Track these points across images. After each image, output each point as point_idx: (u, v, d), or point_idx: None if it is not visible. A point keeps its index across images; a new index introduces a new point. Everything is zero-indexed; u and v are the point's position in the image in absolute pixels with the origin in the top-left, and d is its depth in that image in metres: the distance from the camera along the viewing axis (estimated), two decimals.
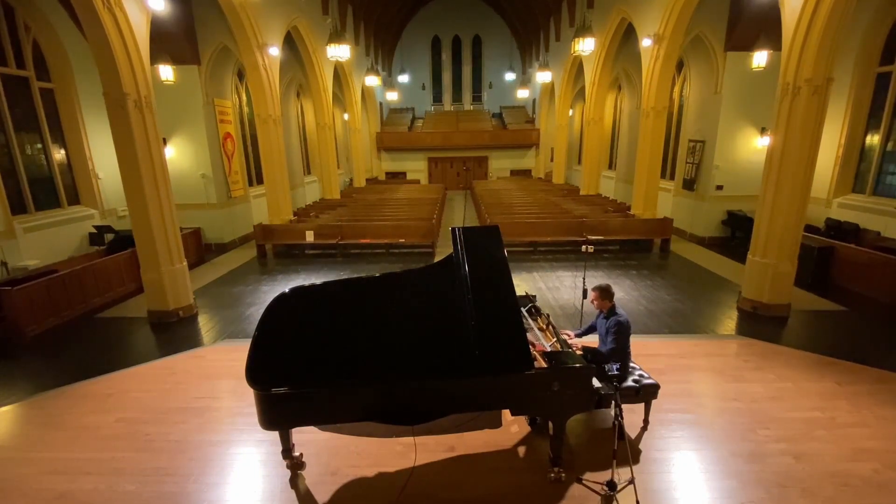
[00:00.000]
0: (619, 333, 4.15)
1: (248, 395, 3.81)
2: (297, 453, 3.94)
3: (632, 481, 3.41)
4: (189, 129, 11.71)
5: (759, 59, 10.66)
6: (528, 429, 4.43)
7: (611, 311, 4.30)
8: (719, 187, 11.87)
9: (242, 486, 3.82)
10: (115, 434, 4.56)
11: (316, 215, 13.90)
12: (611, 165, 19.49)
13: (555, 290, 8.69)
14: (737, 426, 4.44)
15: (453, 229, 3.90)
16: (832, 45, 6.22)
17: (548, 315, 4.60)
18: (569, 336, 4.58)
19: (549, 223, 11.93)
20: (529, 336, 3.87)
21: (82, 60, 10.04)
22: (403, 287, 3.77)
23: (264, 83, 11.38)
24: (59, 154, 10.19)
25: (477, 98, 31.77)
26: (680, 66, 13.05)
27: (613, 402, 3.40)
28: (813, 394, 4.99)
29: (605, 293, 4.35)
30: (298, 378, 3.40)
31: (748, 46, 10.71)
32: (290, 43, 14.08)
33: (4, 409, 5.10)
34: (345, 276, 4.22)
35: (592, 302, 4.47)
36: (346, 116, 21.78)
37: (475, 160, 26.86)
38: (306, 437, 4.18)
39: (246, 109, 14.45)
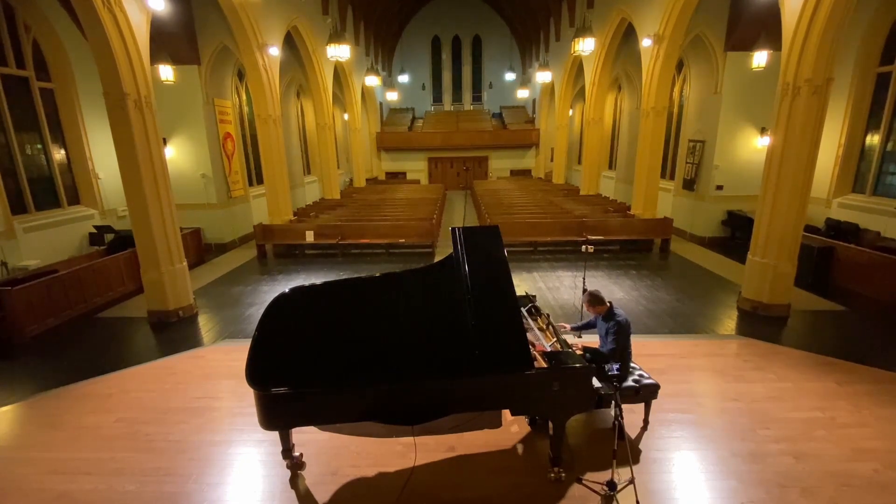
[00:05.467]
0: (619, 334, 4.15)
1: (248, 395, 3.81)
2: (297, 453, 3.94)
3: (632, 481, 3.41)
4: (189, 129, 11.71)
5: (759, 59, 10.66)
6: (528, 429, 4.43)
7: (609, 313, 4.29)
8: (719, 187, 11.87)
9: (242, 486, 3.82)
10: (115, 434, 4.56)
11: (316, 215, 13.90)
12: (611, 165, 19.49)
13: (555, 290, 8.69)
14: (737, 426, 4.44)
15: (453, 229, 3.90)
16: (832, 45, 6.22)
17: (548, 315, 4.60)
18: (564, 328, 4.57)
19: (549, 223, 11.93)
20: (529, 336, 3.87)
21: (82, 60, 10.04)
22: (403, 287, 3.77)
23: (264, 83, 11.38)
24: (59, 154, 10.19)
25: (477, 98, 31.77)
26: (680, 66, 13.05)
27: (613, 402, 3.40)
28: (813, 394, 4.99)
29: (593, 299, 4.34)
30: (298, 378, 3.39)
31: (748, 46, 10.71)
32: (290, 43, 14.08)
33: (4, 409, 5.10)
34: (345, 276, 4.21)
35: (588, 311, 4.46)
36: (346, 116, 21.78)
37: (475, 160, 26.85)
38: (306, 437, 4.18)
39: (246, 109, 14.45)
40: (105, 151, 10.46)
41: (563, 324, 4.65)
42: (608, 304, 4.34)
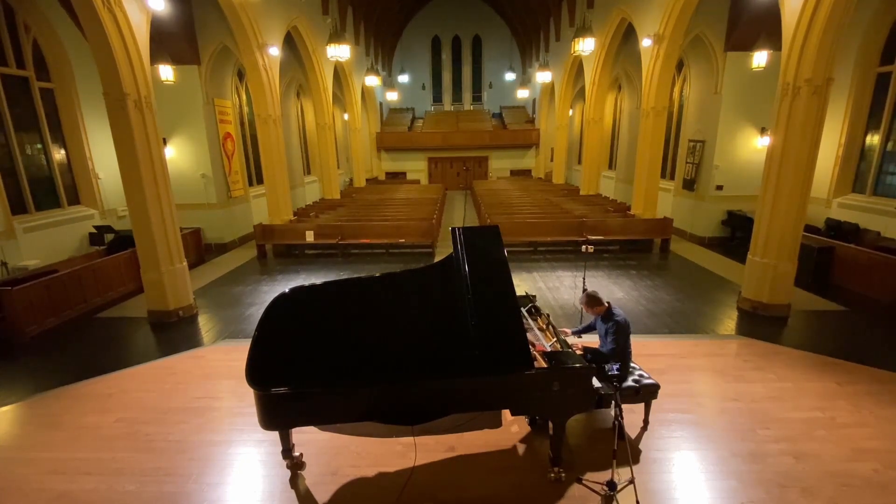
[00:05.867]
0: (618, 334, 4.16)
1: (248, 395, 3.80)
2: (297, 453, 3.94)
3: (632, 481, 3.41)
4: (189, 129, 11.71)
5: (759, 59, 10.66)
6: (528, 429, 4.43)
7: (608, 313, 4.30)
8: (719, 187, 11.87)
9: (242, 486, 3.82)
10: (115, 434, 4.56)
11: (316, 215, 13.89)
12: (611, 165, 19.49)
13: (555, 290, 8.68)
14: (737, 426, 4.44)
15: (453, 229, 3.90)
16: (832, 45, 6.22)
17: (548, 315, 4.60)
18: (566, 333, 4.58)
19: (549, 223, 11.93)
20: (529, 336, 3.87)
21: (82, 60, 10.04)
22: (403, 287, 3.77)
23: (264, 83, 11.38)
24: (59, 154, 10.19)
25: (477, 98, 31.78)
26: (680, 66, 13.05)
27: (613, 402, 3.40)
28: (813, 394, 4.99)
29: (591, 300, 4.35)
30: (298, 378, 3.39)
31: (748, 46, 10.71)
32: (290, 43, 14.07)
33: (4, 409, 5.11)
34: (345, 276, 4.21)
35: (586, 312, 4.47)
36: (346, 116, 21.79)
37: (475, 160, 26.85)
38: (306, 437, 4.18)
39: (246, 109, 14.45)
40: (105, 151, 10.46)
41: (564, 329, 4.65)
42: (606, 304, 4.34)
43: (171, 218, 7.48)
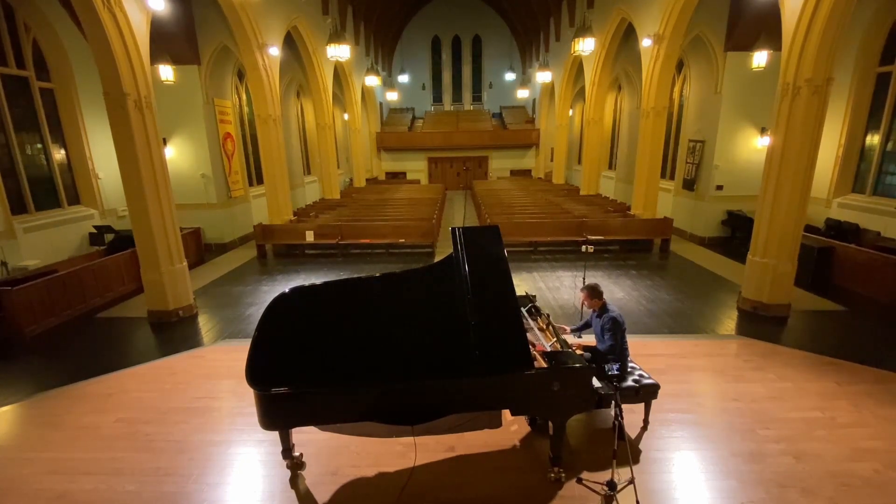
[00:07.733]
0: (615, 330, 4.20)
1: (248, 395, 3.81)
2: (297, 453, 3.94)
3: (632, 481, 3.41)
4: (189, 129, 11.71)
5: (759, 59, 10.66)
6: (528, 429, 4.43)
7: (602, 309, 4.35)
8: (719, 187, 11.87)
9: (242, 486, 3.82)
10: (115, 434, 4.56)
11: (316, 215, 13.89)
12: (611, 165, 19.49)
13: (555, 290, 8.68)
14: (737, 426, 4.44)
15: (453, 229, 3.90)
16: (832, 45, 6.22)
17: (548, 315, 4.60)
18: (564, 330, 4.60)
19: (549, 223, 11.93)
20: (529, 336, 3.87)
21: (82, 60, 10.04)
22: (403, 287, 3.77)
23: (264, 83, 11.39)
24: (59, 154, 10.19)
25: (477, 98, 31.78)
26: (680, 66, 13.05)
27: (613, 402, 3.40)
28: (813, 394, 4.99)
29: (593, 292, 4.39)
30: (298, 378, 3.39)
31: (748, 46, 10.71)
32: (290, 43, 14.08)
33: (4, 409, 5.10)
34: (345, 276, 4.21)
35: (583, 303, 4.49)
36: (346, 116, 21.79)
37: (475, 160, 26.86)
38: (306, 437, 4.18)
39: (246, 109, 14.45)
40: (105, 151, 10.46)
41: (563, 325, 4.67)
42: (603, 300, 4.37)
43: (171, 218, 7.47)
